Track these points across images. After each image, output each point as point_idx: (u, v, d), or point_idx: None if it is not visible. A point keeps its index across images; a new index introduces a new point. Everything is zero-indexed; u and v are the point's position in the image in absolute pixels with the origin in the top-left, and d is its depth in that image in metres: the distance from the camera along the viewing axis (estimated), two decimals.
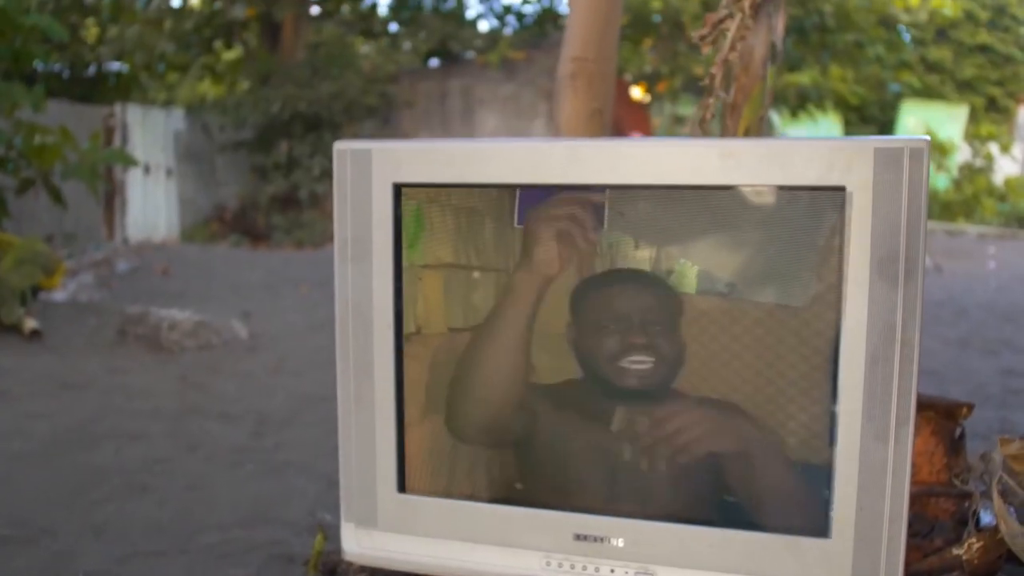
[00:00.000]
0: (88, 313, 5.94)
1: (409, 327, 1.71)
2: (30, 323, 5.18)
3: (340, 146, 1.71)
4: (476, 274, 1.76)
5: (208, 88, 15.23)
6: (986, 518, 2.00)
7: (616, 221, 1.58)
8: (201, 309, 6.19)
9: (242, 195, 12.58)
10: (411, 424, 1.76)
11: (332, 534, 2.33)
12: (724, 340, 1.62)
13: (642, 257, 1.64)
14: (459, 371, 1.61)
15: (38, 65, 11.99)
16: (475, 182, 1.63)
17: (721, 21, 2.18)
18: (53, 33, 5.57)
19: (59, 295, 6.44)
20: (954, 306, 6.60)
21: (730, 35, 2.13)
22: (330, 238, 9.81)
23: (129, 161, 5.93)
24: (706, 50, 2.16)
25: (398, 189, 1.67)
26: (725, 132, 2.12)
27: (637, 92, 15.58)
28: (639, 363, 1.66)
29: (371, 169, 1.67)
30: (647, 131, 14.23)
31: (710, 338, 1.63)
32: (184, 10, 12.15)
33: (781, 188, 1.48)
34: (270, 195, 11.96)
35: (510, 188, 1.64)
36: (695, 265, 1.61)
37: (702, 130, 2.16)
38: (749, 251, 1.55)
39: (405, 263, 1.69)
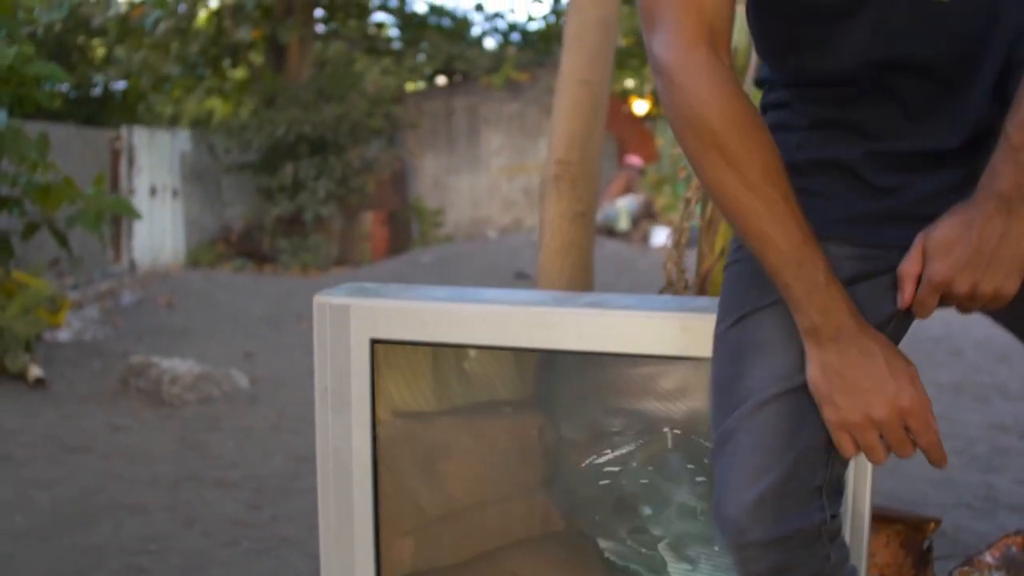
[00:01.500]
0: (92, 356, 6.03)
1: (385, 472, 1.78)
2: (35, 371, 5.26)
3: (320, 299, 1.79)
4: (450, 418, 1.83)
5: (215, 103, 15.32)
6: None
7: None
8: (204, 350, 6.28)
9: (248, 216, 12.67)
10: (390, 567, 1.83)
11: None
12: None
13: None
14: None
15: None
16: (448, 342, 1.71)
17: None
18: (57, 79, 5.64)
19: (64, 334, 6.53)
20: (950, 344, 6.64)
21: None
22: (334, 262, 9.91)
23: (132, 213, 6.01)
24: (683, 174, 2.23)
25: (374, 344, 1.75)
26: (701, 255, 2.19)
27: (644, 106, 15.60)
28: None
29: (349, 324, 1.75)
30: (650, 150, 14.27)
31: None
32: (190, 32, 12.24)
33: None
34: (275, 217, 12.05)
35: (482, 348, 1.71)
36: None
37: (677, 253, 2.22)
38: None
39: (381, 413, 1.77)
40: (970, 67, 1.25)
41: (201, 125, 14.98)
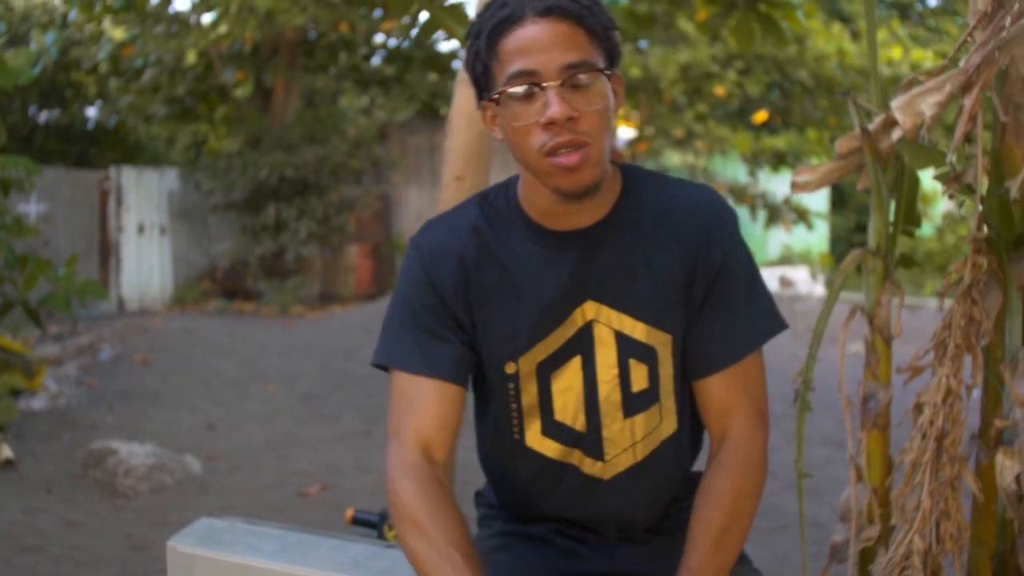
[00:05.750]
0: (63, 428, 6.40)
1: None
2: (5, 452, 5.62)
3: (172, 545, 2.14)
4: None
5: (208, 130, 15.63)
6: None
7: None
8: (170, 420, 6.66)
9: (233, 253, 13.04)
10: None
11: None
12: None
13: None
14: None
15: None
16: None
17: None
18: (32, 173, 6.01)
19: (39, 401, 6.91)
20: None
21: None
22: (317, 297, 10.35)
23: (101, 295, 6.36)
24: None
25: None
26: None
27: (629, 132, 15.92)
28: None
29: (194, 573, 2.10)
30: None
31: None
32: (177, 74, 12.59)
33: None
34: (259, 255, 12.40)
35: None
36: None
37: None
38: None
39: None
40: None
41: (195, 148, 15.33)
